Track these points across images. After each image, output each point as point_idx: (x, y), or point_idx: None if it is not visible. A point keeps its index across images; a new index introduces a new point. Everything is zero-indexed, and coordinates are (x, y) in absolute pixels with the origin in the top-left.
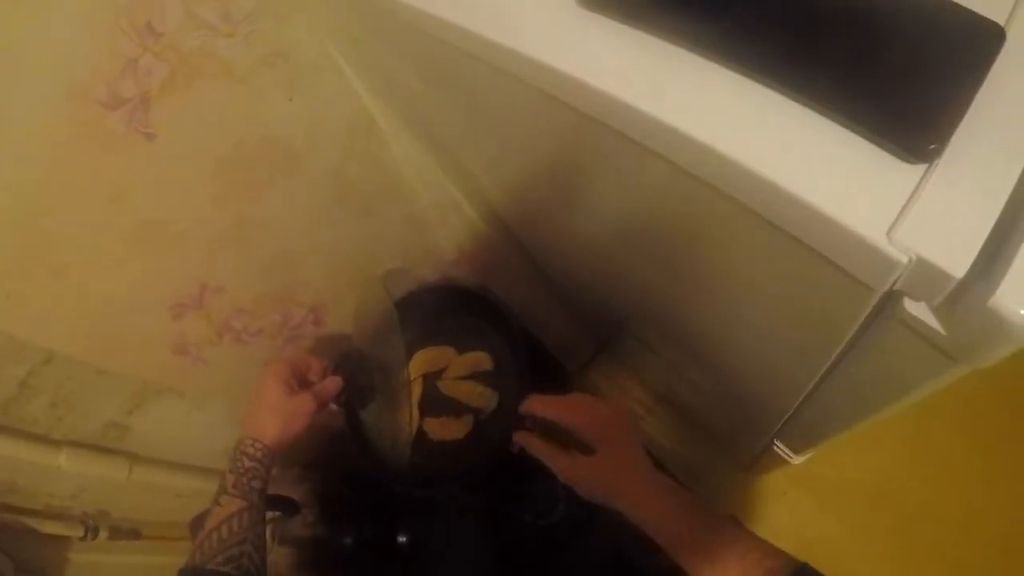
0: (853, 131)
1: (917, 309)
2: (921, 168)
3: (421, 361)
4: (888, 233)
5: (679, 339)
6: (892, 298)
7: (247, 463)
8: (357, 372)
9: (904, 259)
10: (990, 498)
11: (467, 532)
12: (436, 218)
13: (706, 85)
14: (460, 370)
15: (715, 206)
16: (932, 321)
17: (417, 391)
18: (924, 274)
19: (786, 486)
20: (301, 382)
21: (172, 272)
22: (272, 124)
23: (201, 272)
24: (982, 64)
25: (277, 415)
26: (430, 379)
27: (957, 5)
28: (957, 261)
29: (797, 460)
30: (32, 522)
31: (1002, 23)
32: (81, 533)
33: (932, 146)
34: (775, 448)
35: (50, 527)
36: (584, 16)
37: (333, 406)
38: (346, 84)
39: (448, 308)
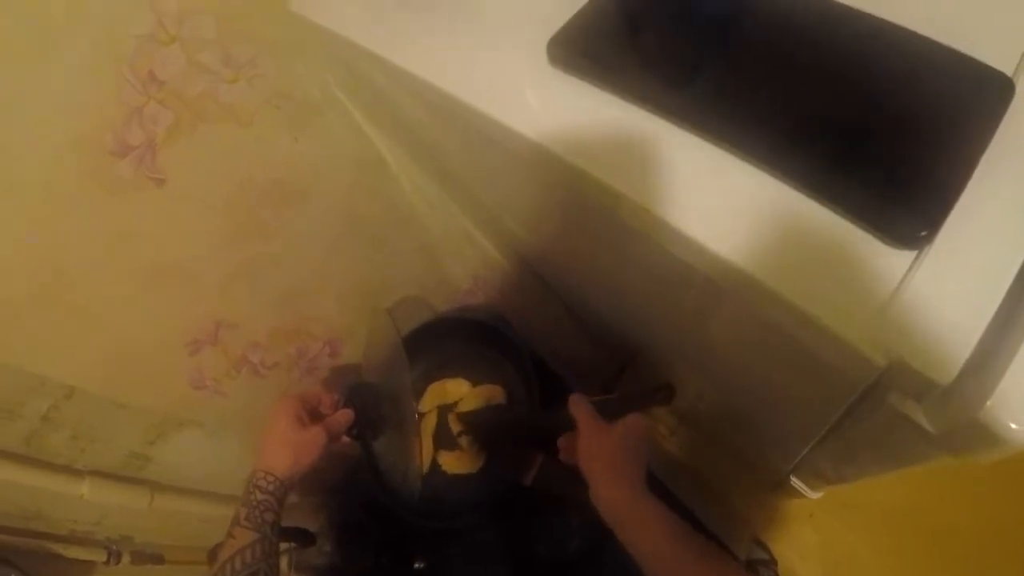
0: (837, 213)
1: (904, 404)
2: (910, 256)
3: (435, 393)
4: (870, 330)
5: (696, 372)
6: (879, 388)
7: (259, 496)
8: (368, 404)
9: (883, 362)
10: (1016, 517)
11: (483, 558)
12: (449, 248)
13: (679, 157)
14: (473, 403)
15: (704, 284)
16: (919, 417)
17: (431, 423)
18: (907, 376)
19: (812, 507)
20: (313, 415)
21: (186, 309)
22: (279, 164)
23: (215, 309)
24: (987, 126)
25: (288, 448)
26: (444, 411)
27: (961, 55)
28: (944, 366)
29: (814, 496)
30: (56, 547)
31: (1010, 73)
32: (104, 558)
33: (922, 232)
34: (792, 483)
35: (74, 552)
36: (554, 76)
37: (345, 438)
38: (351, 122)
39: (462, 340)
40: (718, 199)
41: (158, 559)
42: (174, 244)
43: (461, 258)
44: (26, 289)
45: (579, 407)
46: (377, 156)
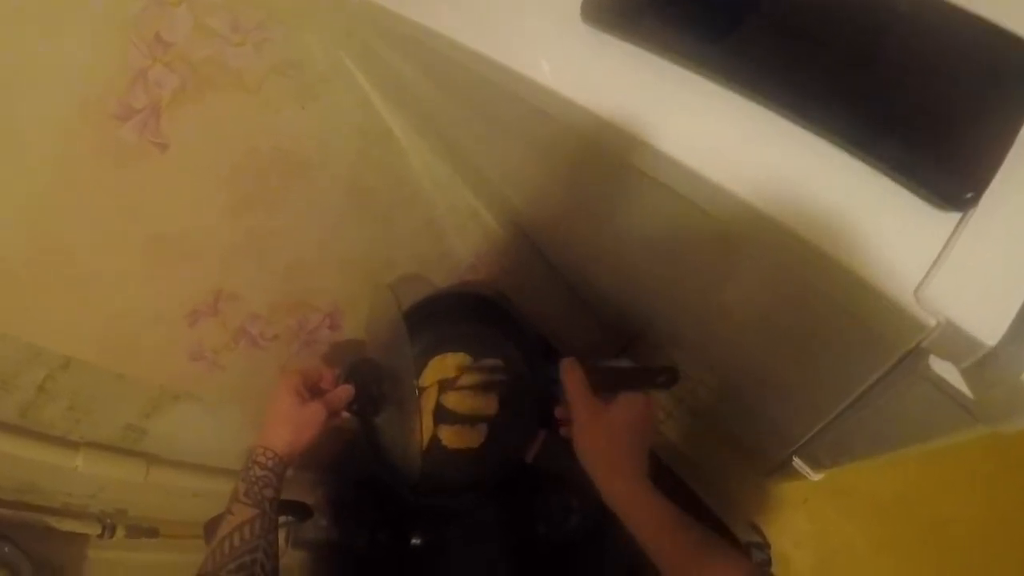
0: (880, 171)
1: (943, 369)
2: (955, 217)
3: (436, 368)
4: (916, 291)
5: (701, 352)
6: (918, 354)
7: (258, 472)
8: (368, 380)
9: (932, 322)
10: (1014, 510)
11: (481, 537)
12: (453, 224)
13: (718, 115)
14: (474, 378)
15: (730, 238)
16: (959, 383)
17: (432, 398)
18: (953, 338)
19: (807, 493)
20: (313, 391)
21: (187, 279)
22: (285, 133)
23: (216, 279)
24: None
25: (288, 424)
26: (445, 386)
27: (1009, 32)
28: (990, 327)
29: (815, 477)
30: (50, 520)
31: None
32: (99, 531)
33: (969, 194)
34: (793, 464)
35: (68, 525)
36: (588, 34)
37: (345, 414)
38: (359, 92)
39: (464, 315)
40: (755, 153)
41: (153, 533)
42: (176, 212)
43: (465, 234)
44: (22, 255)
45: (572, 378)
46: (384, 129)
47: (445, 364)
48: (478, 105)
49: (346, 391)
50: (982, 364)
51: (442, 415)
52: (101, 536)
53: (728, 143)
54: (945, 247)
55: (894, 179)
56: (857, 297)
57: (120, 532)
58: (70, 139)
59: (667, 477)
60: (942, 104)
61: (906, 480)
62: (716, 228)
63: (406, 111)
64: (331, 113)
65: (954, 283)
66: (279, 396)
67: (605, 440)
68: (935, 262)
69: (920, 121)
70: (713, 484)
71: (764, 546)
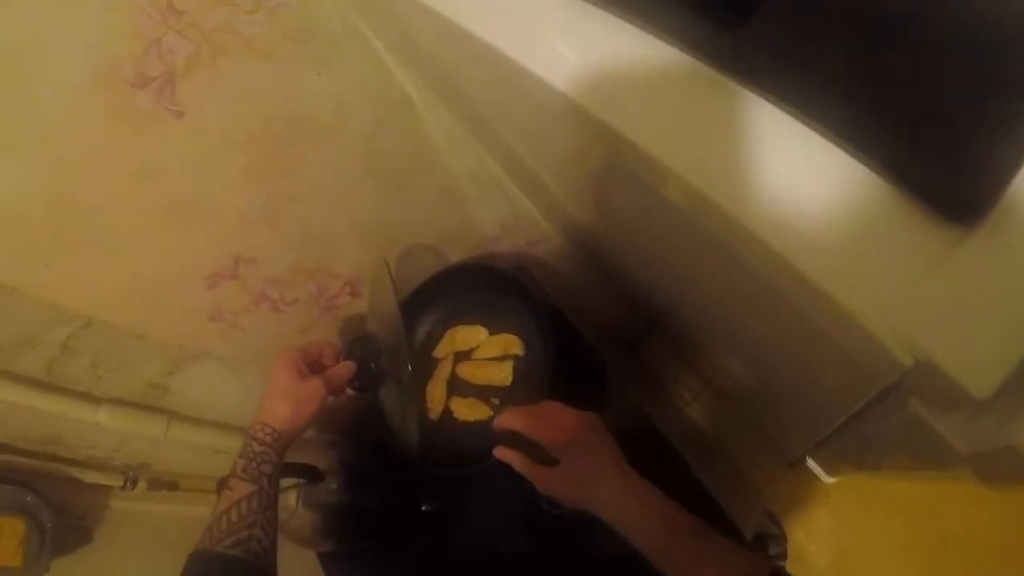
0: (875, 170)
1: (929, 413)
2: (956, 234)
3: (452, 339)
4: (898, 318)
5: (723, 337)
6: (900, 391)
7: (257, 447)
8: (369, 356)
9: (909, 362)
10: None
11: (491, 508)
12: (475, 193)
13: (712, 106)
14: (489, 351)
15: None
16: (946, 432)
17: (447, 369)
18: (935, 382)
19: (829, 489)
20: (314, 367)
21: (206, 243)
22: (301, 99)
23: (234, 244)
24: None
25: (287, 400)
26: (460, 358)
27: None
28: (982, 377)
29: (827, 480)
30: (74, 471)
31: None
32: (121, 483)
33: (974, 202)
34: (807, 464)
35: (91, 476)
36: (585, 9)
37: (349, 390)
38: (376, 58)
39: (482, 287)
40: (750, 158)
41: (173, 486)
42: (194, 178)
43: (487, 204)
44: (45, 219)
45: (509, 457)
46: (403, 94)
47: (461, 335)
48: (489, 77)
49: (346, 367)
50: (973, 417)
51: (456, 387)
52: (123, 488)
53: (716, 143)
54: (940, 266)
55: (891, 180)
56: (829, 314)
57: (142, 484)
58: (87, 105)
59: (674, 467)
60: (954, 107)
61: (932, 485)
62: (707, 236)
63: (425, 77)
64: (347, 79)
65: (944, 313)
66: (278, 372)
67: (575, 488)
68: (925, 282)
69: (926, 121)
70: (734, 470)
71: (780, 538)
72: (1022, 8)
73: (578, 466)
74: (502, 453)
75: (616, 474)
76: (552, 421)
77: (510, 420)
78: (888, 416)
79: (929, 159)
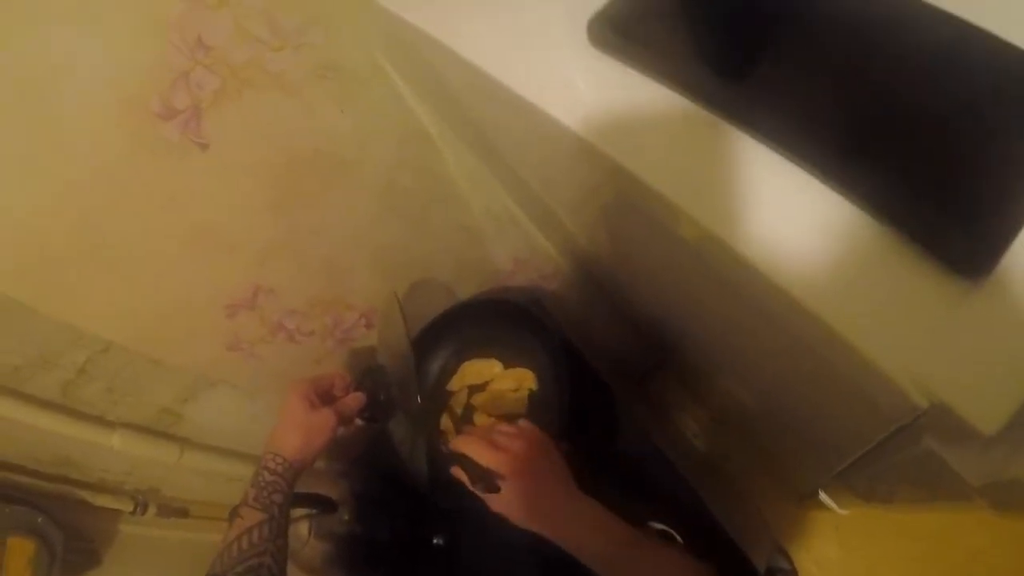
0: (884, 224)
1: (943, 449)
2: (965, 286)
3: (467, 373)
4: (913, 364)
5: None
6: (915, 429)
7: (268, 477)
8: (379, 387)
9: (924, 404)
10: None
11: (502, 543)
12: (491, 229)
13: (724, 155)
14: (504, 385)
15: (736, 286)
16: (958, 466)
17: (461, 403)
18: (949, 421)
19: (838, 521)
20: (325, 398)
21: (226, 273)
22: (324, 135)
23: (254, 274)
24: None
25: (298, 430)
26: (474, 392)
27: None
28: (990, 415)
29: (841, 512)
30: (85, 494)
31: None
32: (131, 508)
33: (983, 259)
34: (820, 497)
35: (102, 500)
36: (596, 59)
37: (358, 421)
38: (398, 95)
39: (498, 321)
40: (761, 202)
41: (183, 513)
42: (216, 208)
43: (503, 239)
44: (68, 243)
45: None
46: (423, 131)
47: (475, 369)
48: (506, 116)
49: (357, 399)
50: (984, 452)
51: (471, 420)
52: (133, 512)
53: (731, 188)
54: (950, 317)
55: (901, 235)
56: (848, 361)
57: (152, 510)
58: (113, 133)
59: (681, 489)
60: (964, 159)
61: (940, 513)
62: (717, 274)
63: (444, 114)
64: (369, 115)
65: (955, 360)
66: (290, 402)
67: (519, 507)
68: (937, 332)
69: (936, 175)
70: (743, 503)
71: (790, 572)
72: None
73: (520, 487)
74: (456, 472)
75: (560, 493)
76: (498, 446)
77: (459, 444)
78: (902, 451)
79: (945, 219)
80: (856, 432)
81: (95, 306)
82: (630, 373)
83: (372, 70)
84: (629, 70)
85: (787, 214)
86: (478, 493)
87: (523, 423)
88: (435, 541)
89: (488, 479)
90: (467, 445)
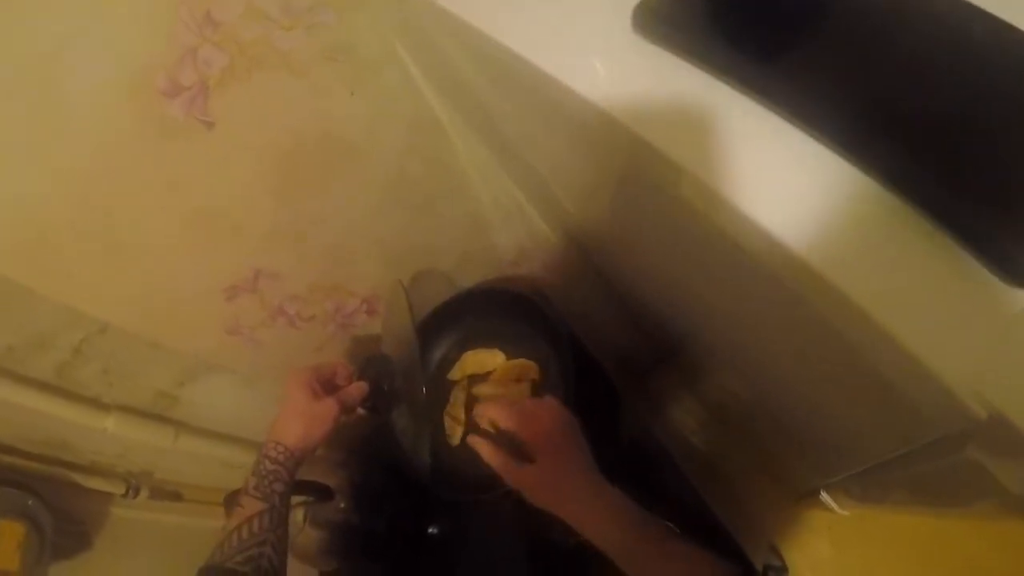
0: (943, 230)
1: (986, 458)
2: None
3: (469, 363)
4: (971, 375)
5: (739, 368)
6: (959, 438)
7: (269, 466)
8: (383, 377)
9: (983, 415)
10: None
11: (498, 535)
12: (497, 218)
13: (760, 140)
14: (506, 375)
15: (772, 285)
16: (1002, 476)
17: (462, 394)
18: (1002, 434)
19: (831, 520)
20: (327, 387)
21: (227, 255)
22: (333, 118)
23: (256, 258)
24: None
25: (300, 419)
26: (476, 382)
27: None
28: None
29: (842, 513)
30: (77, 476)
31: None
32: (123, 490)
33: None
34: (820, 497)
35: (93, 482)
36: (637, 44)
37: (361, 410)
38: (410, 81)
39: (499, 311)
40: (803, 194)
41: (176, 496)
42: (220, 190)
43: (508, 229)
44: (67, 222)
45: (486, 452)
46: (433, 118)
47: (478, 359)
48: (531, 104)
49: (359, 388)
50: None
51: (469, 410)
52: (125, 495)
53: (773, 178)
54: (1010, 329)
55: (960, 243)
56: (902, 371)
57: (144, 493)
58: (116, 111)
59: (682, 486)
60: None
61: (935, 516)
62: (758, 268)
63: (457, 102)
64: (380, 100)
65: (1013, 372)
66: (291, 391)
67: (542, 488)
68: (996, 344)
69: (993, 179)
70: (738, 502)
71: (782, 570)
72: None
73: (548, 467)
74: (474, 440)
75: (584, 479)
76: (530, 420)
77: (491, 411)
78: (938, 459)
79: (1003, 225)
80: (885, 437)
81: (92, 287)
82: (633, 367)
83: (385, 54)
84: (668, 55)
85: (835, 209)
86: (497, 464)
87: (550, 399)
88: (431, 531)
89: (518, 451)
90: (498, 412)
